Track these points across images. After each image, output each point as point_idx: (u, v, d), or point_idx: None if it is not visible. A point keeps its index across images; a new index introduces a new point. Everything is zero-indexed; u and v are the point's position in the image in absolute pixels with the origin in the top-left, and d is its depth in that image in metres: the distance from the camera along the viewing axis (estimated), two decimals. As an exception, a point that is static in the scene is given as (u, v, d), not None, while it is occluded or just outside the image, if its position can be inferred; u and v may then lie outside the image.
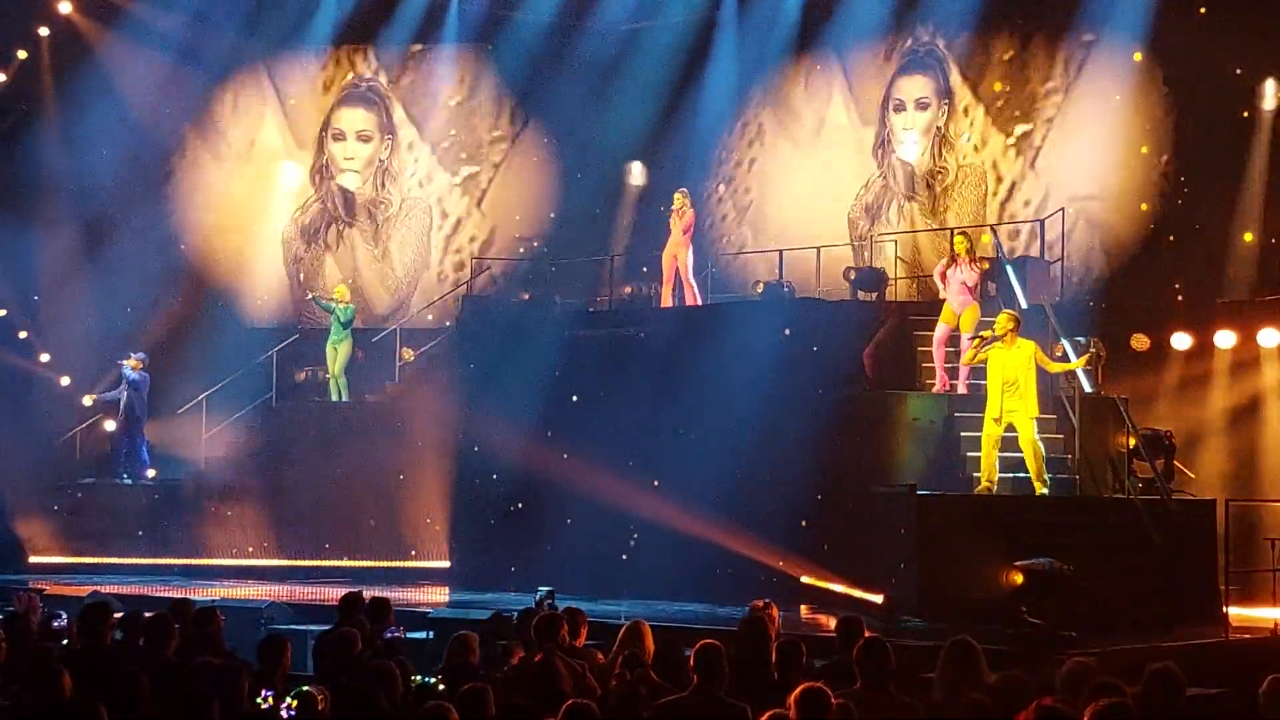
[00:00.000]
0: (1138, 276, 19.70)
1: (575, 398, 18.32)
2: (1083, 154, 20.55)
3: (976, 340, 15.09)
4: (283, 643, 8.46)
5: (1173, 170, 19.95)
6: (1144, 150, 20.18)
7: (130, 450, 21.27)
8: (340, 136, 24.71)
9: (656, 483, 17.57)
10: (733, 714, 7.06)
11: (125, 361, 21.29)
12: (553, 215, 23.98)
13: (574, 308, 20.16)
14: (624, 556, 17.84)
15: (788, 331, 17.25)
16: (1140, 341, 17.58)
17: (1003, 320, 14.78)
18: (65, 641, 10.54)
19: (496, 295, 22.70)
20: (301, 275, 24.53)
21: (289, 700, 7.05)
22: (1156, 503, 14.47)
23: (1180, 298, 18.89)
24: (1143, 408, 16.67)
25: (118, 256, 22.84)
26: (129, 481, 21.07)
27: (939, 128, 22.05)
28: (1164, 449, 15.35)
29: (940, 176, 22.04)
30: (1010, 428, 14.70)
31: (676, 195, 19.54)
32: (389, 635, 10.35)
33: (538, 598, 12.46)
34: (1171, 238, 19.71)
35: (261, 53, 24.24)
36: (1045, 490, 14.67)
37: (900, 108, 22.32)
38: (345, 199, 24.72)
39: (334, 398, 21.59)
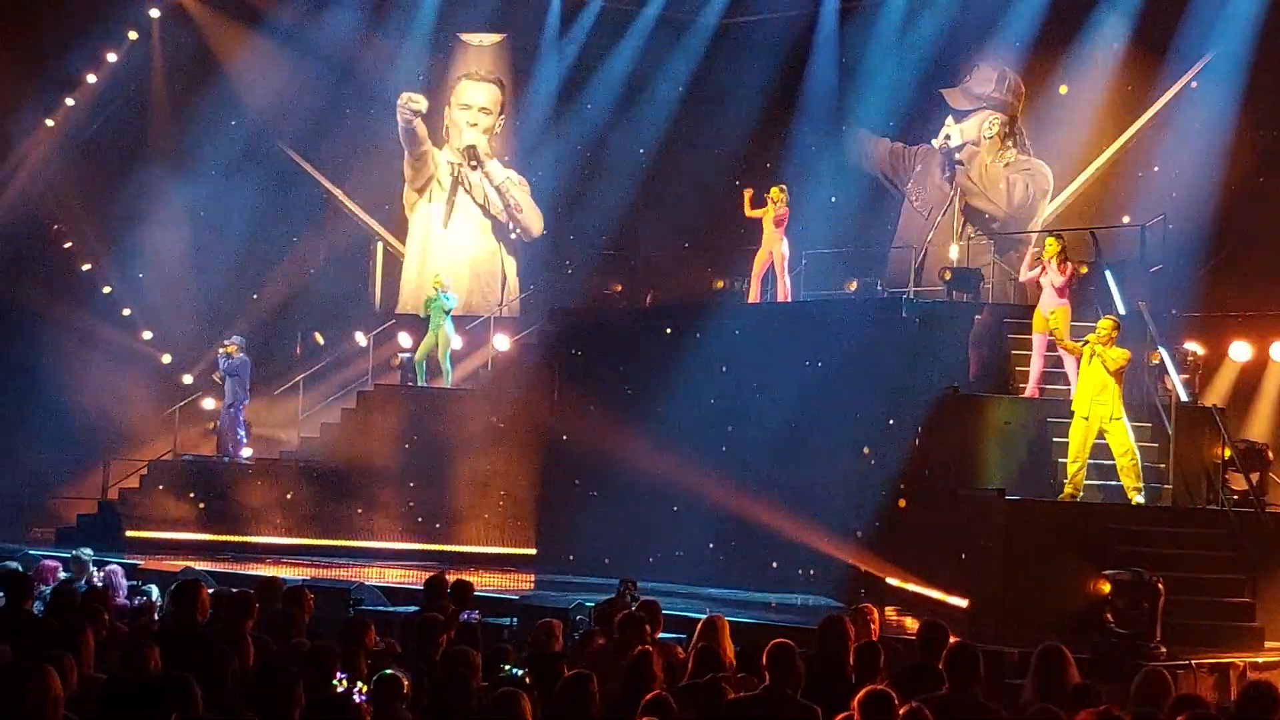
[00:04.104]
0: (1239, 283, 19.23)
1: (668, 381, 18.29)
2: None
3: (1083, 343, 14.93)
4: (365, 624, 8.58)
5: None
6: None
7: (228, 430, 21.56)
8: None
9: (742, 477, 17.58)
10: (804, 714, 7.05)
11: (221, 348, 21.44)
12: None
13: (662, 301, 20.10)
14: (709, 546, 17.92)
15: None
16: None
17: (1106, 325, 14.72)
18: (156, 617, 10.75)
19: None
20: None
21: (360, 685, 7.16)
22: (1250, 515, 14.29)
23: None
24: (1240, 418, 16.44)
25: (222, 236, 23.13)
26: (225, 460, 21.39)
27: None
28: (1260, 461, 15.14)
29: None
30: (1101, 434, 14.59)
31: (774, 189, 19.36)
32: (464, 618, 10.44)
33: (619, 588, 12.51)
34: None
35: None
36: (1140, 499, 14.53)
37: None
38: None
39: (421, 382, 21.76)
